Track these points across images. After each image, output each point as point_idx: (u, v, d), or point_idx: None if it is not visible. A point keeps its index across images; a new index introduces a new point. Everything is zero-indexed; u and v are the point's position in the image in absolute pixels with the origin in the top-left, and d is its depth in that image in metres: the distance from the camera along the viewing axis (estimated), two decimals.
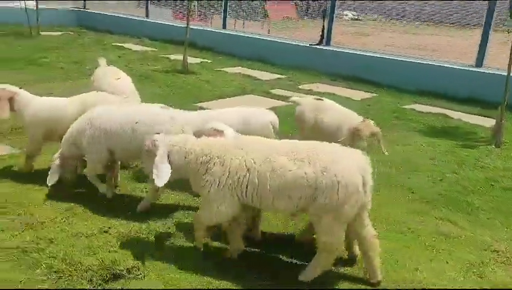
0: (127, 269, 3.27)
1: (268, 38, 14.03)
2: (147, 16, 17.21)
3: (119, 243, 3.63)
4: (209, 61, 13.14)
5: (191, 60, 11.90)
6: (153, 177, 3.35)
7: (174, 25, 16.13)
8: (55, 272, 3.21)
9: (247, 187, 3.25)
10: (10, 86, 4.83)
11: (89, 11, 18.58)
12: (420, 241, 4.03)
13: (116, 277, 3.21)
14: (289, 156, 3.21)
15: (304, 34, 15.13)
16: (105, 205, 4.29)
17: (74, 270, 3.23)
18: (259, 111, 4.65)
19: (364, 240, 3.31)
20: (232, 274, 3.37)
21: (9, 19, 15.50)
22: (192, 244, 3.68)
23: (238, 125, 4.15)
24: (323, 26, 12.50)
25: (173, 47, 14.80)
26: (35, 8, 14.43)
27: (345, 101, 9.57)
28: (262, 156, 3.24)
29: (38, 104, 4.78)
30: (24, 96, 4.78)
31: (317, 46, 12.38)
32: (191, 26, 12.84)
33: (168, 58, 13.03)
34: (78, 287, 3.10)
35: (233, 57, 13.73)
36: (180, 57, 13.22)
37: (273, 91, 9.85)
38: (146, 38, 15.74)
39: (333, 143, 3.40)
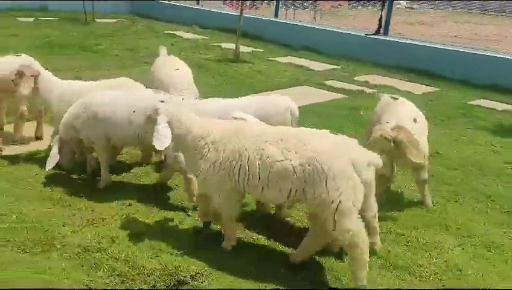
0: (191, 275, 3.11)
1: (321, 28, 13.57)
2: (198, 3, 17.15)
3: (181, 245, 3.47)
4: (261, 50, 12.87)
5: (242, 48, 11.69)
6: (153, 140, 3.30)
7: (226, 12, 15.95)
8: (117, 275, 3.10)
9: (238, 174, 3.18)
10: (36, 64, 4.87)
11: None
12: (506, 259, 3.64)
13: (179, 283, 3.06)
14: (278, 145, 3.10)
15: (357, 23, 14.59)
16: (168, 203, 4.17)
17: (137, 274, 3.10)
18: (278, 98, 4.47)
19: (366, 220, 3.26)
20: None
21: (65, 6, 15.85)
22: (261, 253, 3.50)
23: (255, 113, 3.97)
24: (381, 15, 11.91)
25: (224, 35, 14.64)
26: None
27: (405, 95, 9.04)
28: (254, 143, 3.16)
29: (64, 87, 4.69)
30: (48, 77, 4.72)
31: (374, 36, 11.83)
32: (246, 15, 12.64)
33: (219, 46, 12.88)
34: None
35: (285, 46, 13.39)
36: (231, 45, 13.04)
37: (328, 82, 9.48)
38: (197, 26, 15.67)
39: (324, 130, 3.28)
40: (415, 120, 4.18)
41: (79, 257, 3.27)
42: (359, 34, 12.28)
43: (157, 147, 3.32)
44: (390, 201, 4.42)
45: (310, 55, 12.34)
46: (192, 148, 3.33)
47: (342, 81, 9.63)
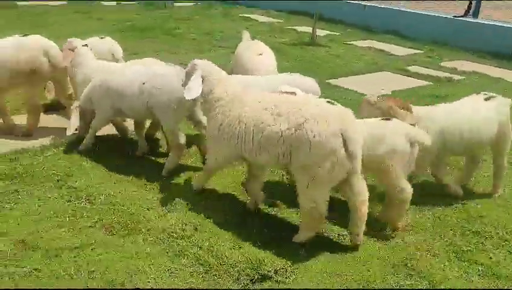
0: (275, 270, 3.00)
1: (403, 9, 12.82)
2: None
3: (263, 237, 3.37)
4: (338, 33, 12.43)
5: (318, 32, 11.33)
6: (184, 92, 3.53)
7: None
8: (201, 264, 3.05)
9: (237, 139, 3.31)
10: (75, 40, 4.93)
11: None
12: None
13: (263, 277, 2.96)
14: (272, 111, 3.18)
15: (442, 4, 13.64)
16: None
17: (220, 265, 3.04)
18: (300, 78, 4.42)
19: (354, 205, 3.21)
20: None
21: None
22: (345, 246, 3.32)
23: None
24: None
25: (299, 18, 14.33)
26: None
27: (496, 83, 8.36)
28: (253, 109, 3.27)
29: (94, 65, 4.71)
30: (83, 53, 4.75)
31: (463, 19, 10.96)
32: None
33: (295, 30, 12.61)
34: (225, 285, 2.90)
35: (364, 29, 12.84)
36: (306, 28, 12.71)
37: (411, 68, 8.93)
38: (272, 9, 15.47)
39: (322, 99, 3.34)
40: None
41: (163, 243, 3.27)
42: (446, 16, 11.45)
43: (186, 97, 3.54)
44: (490, 200, 4.05)
45: (391, 38, 11.72)
46: (210, 108, 3.53)
47: (426, 67, 9.03)
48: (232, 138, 3.36)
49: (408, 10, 12.60)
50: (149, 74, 4.17)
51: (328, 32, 12.36)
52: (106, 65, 4.82)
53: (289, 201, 3.81)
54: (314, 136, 3.00)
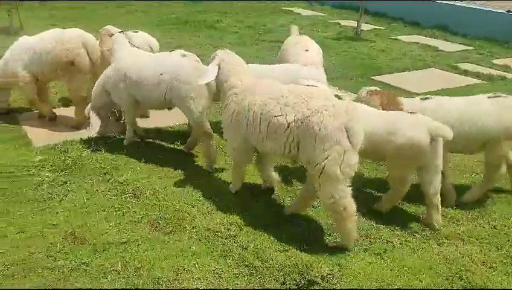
0: (322, 276, 2.91)
1: (452, 3, 12.31)
2: None
3: (309, 239, 3.30)
4: (383, 28, 12.11)
5: (363, 26, 11.05)
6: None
7: None
8: (246, 266, 3.01)
9: (246, 126, 3.40)
10: (112, 27, 5.07)
11: None
12: None
13: (310, 283, 2.88)
14: (279, 101, 3.24)
15: None
16: (293, 190, 3.98)
17: (266, 268, 2.98)
18: (305, 68, 4.50)
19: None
20: None
21: None
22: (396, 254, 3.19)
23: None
24: None
25: (343, 12, 14.05)
26: None
27: None
28: (261, 99, 3.34)
29: (127, 53, 4.66)
30: (120, 40, 4.73)
31: None
32: None
33: (338, 24, 12.37)
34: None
35: (411, 24, 12.45)
36: (350, 22, 12.44)
37: (461, 66, 8.55)
38: (314, 1, 15.25)
39: (330, 91, 3.47)
40: None
41: (208, 242, 3.25)
42: (498, 11, 10.90)
43: (198, 82, 3.78)
44: None
45: (439, 34, 11.30)
46: (224, 97, 3.66)
47: (478, 64, 8.63)
48: (242, 126, 3.45)
49: (458, 4, 12.10)
50: (167, 64, 4.20)
51: (373, 26, 12.06)
52: (142, 52, 4.87)
53: None
54: (319, 129, 3.03)
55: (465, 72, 8.12)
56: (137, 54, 4.63)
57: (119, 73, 4.39)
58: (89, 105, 4.76)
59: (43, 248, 3.10)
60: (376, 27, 12.09)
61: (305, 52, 5.00)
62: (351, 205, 3.11)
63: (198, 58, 4.27)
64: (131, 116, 4.62)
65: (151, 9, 13.00)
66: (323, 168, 3.03)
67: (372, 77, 7.76)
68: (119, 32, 4.85)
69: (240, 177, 3.85)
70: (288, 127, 3.18)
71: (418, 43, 10.43)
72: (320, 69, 4.61)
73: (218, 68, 3.68)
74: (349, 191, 3.10)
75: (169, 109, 4.52)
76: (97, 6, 13.03)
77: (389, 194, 3.66)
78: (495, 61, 8.93)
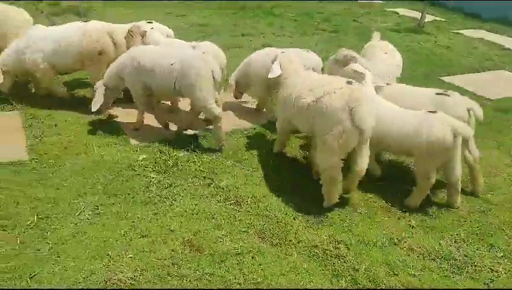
0: None
1: None
2: None
3: (419, 264, 3.40)
4: (443, 19, 11.81)
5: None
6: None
7: None
8: (360, 289, 3.16)
9: (287, 105, 4.21)
10: (143, 24, 5.39)
11: None
12: None
13: None
14: (306, 86, 4.01)
15: None
16: (395, 214, 4.06)
17: None
18: (310, 54, 5.43)
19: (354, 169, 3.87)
20: None
21: None
22: None
23: None
24: None
25: None
26: None
27: None
28: (296, 87, 4.14)
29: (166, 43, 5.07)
30: (153, 36, 5.16)
31: None
32: None
33: (396, 12, 12.13)
34: None
35: (471, 15, 12.11)
36: (407, 11, 12.18)
37: None
38: None
39: (342, 78, 3.97)
40: None
41: (318, 259, 3.39)
42: None
43: (269, 76, 4.49)
44: None
45: (505, 29, 10.95)
46: (279, 84, 4.44)
47: None
48: (285, 105, 4.21)
49: None
50: (178, 55, 4.60)
51: (433, 17, 11.77)
52: (177, 42, 5.35)
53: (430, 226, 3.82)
54: (326, 108, 3.68)
55: None
56: (179, 43, 5.29)
57: (134, 61, 4.70)
58: (101, 81, 4.95)
59: (167, 255, 3.31)
60: (436, 18, 11.81)
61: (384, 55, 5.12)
62: (339, 175, 3.82)
63: (206, 50, 4.88)
64: (142, 102, 4.92)
65: None
66: (326, 140, 3.70)
67: (440, 77, 7.65)
68: (151, 28, 5.36)
69: (282, 143, 4.74)
70: (308, 107, 3.88)
71: (482, 39, 10.17)
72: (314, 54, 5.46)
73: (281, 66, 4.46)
74: (340, 164, 3.78)
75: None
76: None
77: (417, 189, 4.03)
78: None
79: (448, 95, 4.27)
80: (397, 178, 4.47)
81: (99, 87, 4.90)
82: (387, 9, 12.42)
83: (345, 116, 3.62)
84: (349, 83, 3.83)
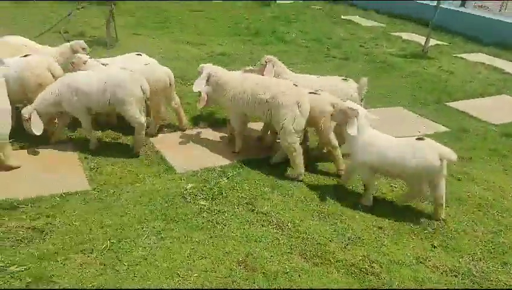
0: None
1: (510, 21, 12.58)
2: None
3: (443, 280, 3.92)
4: (446, 43, 12.46)
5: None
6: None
7: None
8: None
9: (242, 102, 5.49)
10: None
11: None
12: None
13: None
14: (263, 88, 5.33)
15: None
16: (418, 235, 4.60)
17: None
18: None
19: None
20: None
21: None
22: None
23: None
24: None
25: (401, 22, 14.42)
26: None
27: None
28: (251, 86, 5.43)
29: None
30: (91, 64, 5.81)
31: None
32: (424, 2, 12.14)
33: (400, 37, 12.76)
34: None
35: (472, 39, 12.77)
36: (410, 36, 12.81)
37: None
38: (372, 10, 15.60)
39: (290, 82, 5.46)
40: None
41: (356, 276, 3.91)
42: None
43: (194, 89, 5.60)
44: None
45: (504, 54, 11.59)
46: (222, 89, 5.58)
47: None
48: (240, 102, 5.44)
49: None
50: (109, 74, 5.34)
51: (436, 41, 12.37)
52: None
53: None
54: (282, 103, 5.13)
55: None
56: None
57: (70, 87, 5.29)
58: (30, 108, 5.29)
59: (226, 273, 3.82)
60: (438, 42, 12.44)
61: None
62: (299, 148, 5.21)
63: (133, 69, 5.53)
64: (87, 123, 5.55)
65: (218, 15, 13.60)
66: (283, 125, 5.12)
67: (446, 103, 8.21)
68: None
69: (241, 141, 5.81)
70: (266, 101, 5.23)
71: (483, 63, 10.78)
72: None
73: (209, 76, 5.58)
74: (297, 140, 5.18)
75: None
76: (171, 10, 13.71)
77: (409, 192, 4.94)
78: None
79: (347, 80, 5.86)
80: (415, 203, 5.02)
81: (32, 113, 5.27)
82: (392, 34, 13.05)
83: (296, 108, 5.10)
84: (295, 85, 5.29)
